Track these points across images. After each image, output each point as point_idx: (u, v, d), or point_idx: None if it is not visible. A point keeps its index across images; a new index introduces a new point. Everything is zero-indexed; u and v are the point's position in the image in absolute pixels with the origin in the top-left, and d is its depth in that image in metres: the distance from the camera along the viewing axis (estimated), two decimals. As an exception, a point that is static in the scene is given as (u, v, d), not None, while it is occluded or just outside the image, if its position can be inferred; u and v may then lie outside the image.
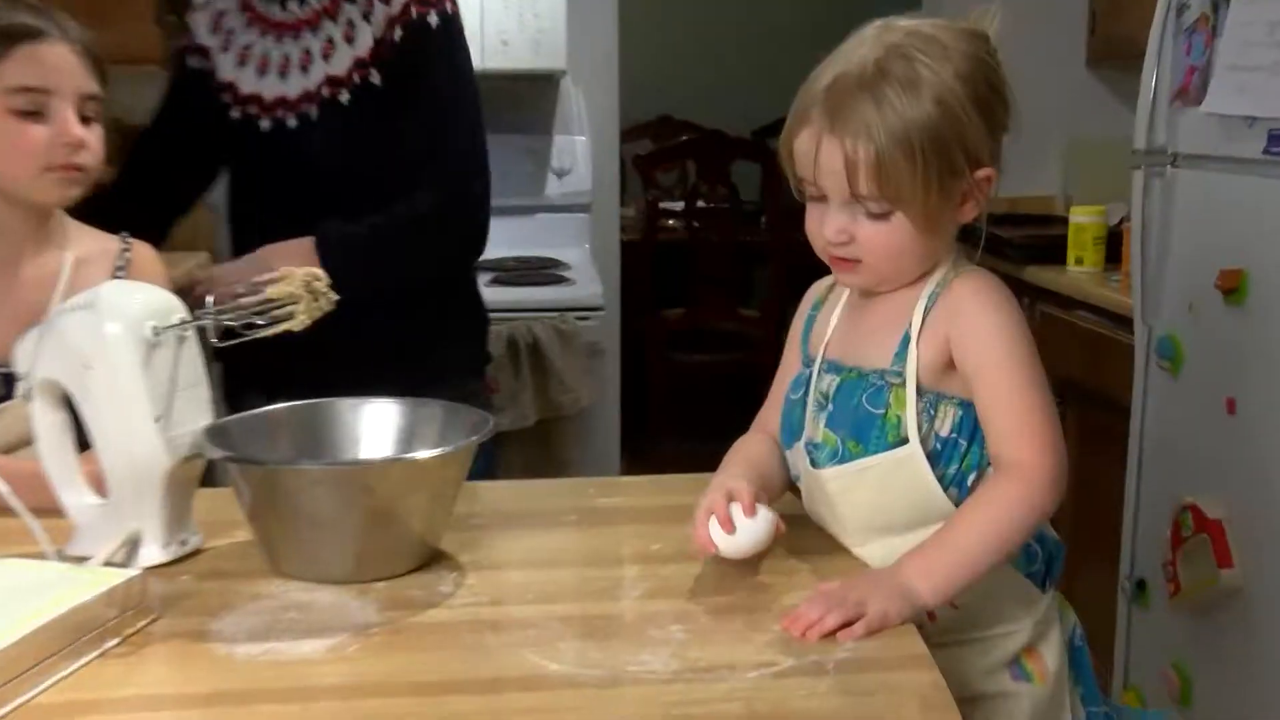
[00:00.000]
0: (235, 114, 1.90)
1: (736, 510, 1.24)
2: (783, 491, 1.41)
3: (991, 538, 1.21)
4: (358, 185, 1.88)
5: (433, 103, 1.87)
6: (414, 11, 1.85)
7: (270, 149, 1.89)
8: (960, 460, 1.26)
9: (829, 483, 1.31)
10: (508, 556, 1.34)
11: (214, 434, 1.30)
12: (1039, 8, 3.52)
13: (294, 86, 1.87)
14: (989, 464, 1.26)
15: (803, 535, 1.35)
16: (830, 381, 1.32)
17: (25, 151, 1.53)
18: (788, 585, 1.25)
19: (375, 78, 1.85)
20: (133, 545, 1.29)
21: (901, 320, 1.29)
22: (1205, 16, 2.30)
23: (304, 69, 1.87)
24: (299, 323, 1.33)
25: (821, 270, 1.40)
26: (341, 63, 1.85)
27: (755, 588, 1.25)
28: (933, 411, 1.26)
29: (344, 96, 1.85)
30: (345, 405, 1.41)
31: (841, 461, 1.29)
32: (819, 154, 1.24)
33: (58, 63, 1.55)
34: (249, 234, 1.95)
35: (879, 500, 1.28)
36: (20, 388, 1.32)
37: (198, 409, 1.32)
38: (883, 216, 1.25)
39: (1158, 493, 2.45)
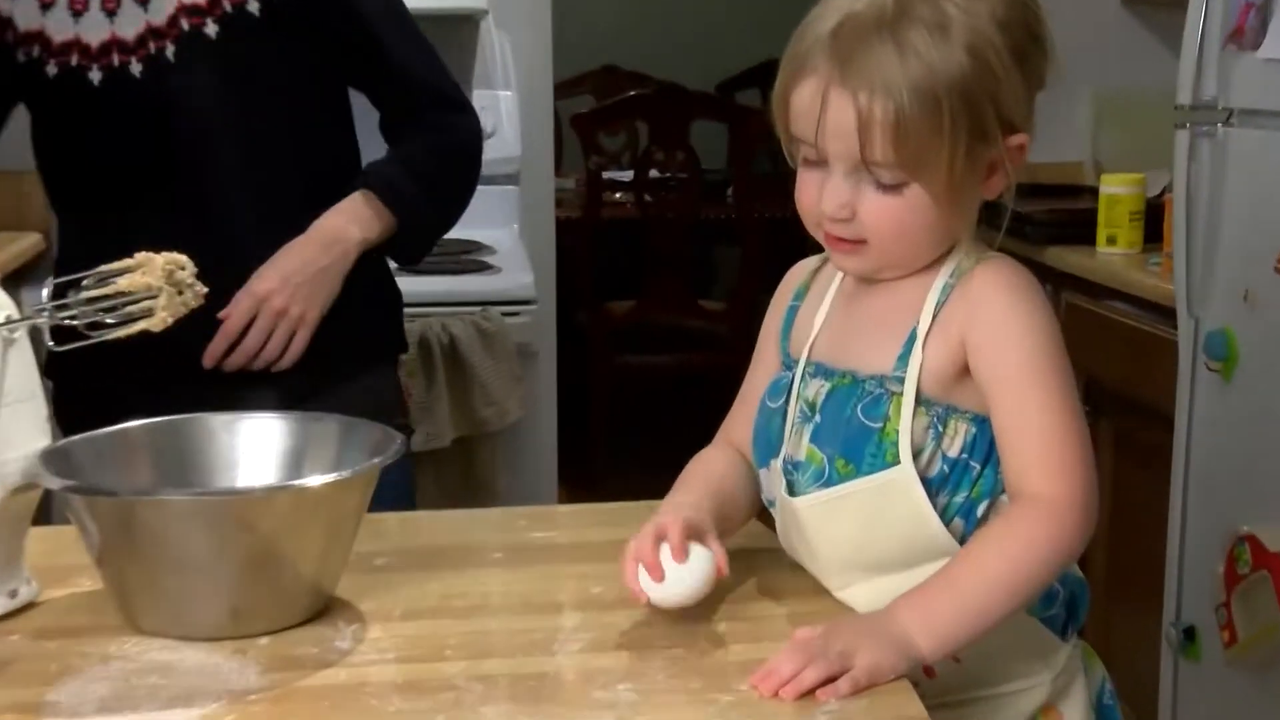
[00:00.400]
0: (52, 69, 1.89)
1: (665, 555, 1.26)
2: (748, 518, 1.43)
3: (1006, 582, 1.22)
4: (255, 135, 1.90)
5: (370, 31, 1.94)
6: None
7: (109, 104, 1.88)
8: (971, 486, 1.28)
9: (803, 511, 1.32)
10: (419, 604, 1.34)
11: (52, 459, 1.29)
12: (1064, -68, 3.56)
13: (129, 24, 1.87)
14: (1003, 490, 1.28)
15: (776, 573, 1.37)
16: (818, 388, 1.33)
17: None
18: (757, 634, 1.26)
19: (253, 6, 1.85)
20: (-50, 598, 1.29)
21: (908, 315, 1.30)
22: (1263, -58, 2.34)
23: (141, 2, 1.86)
24: (159, 321, 1.33)
25: (802, 251, 1.41)
26: None
27: (718, 638, 1.26)
28: (941, 427, 1.27)
29: (210, 29, 1.85)
30: (218, 421, 1.41)
31: (826, 485, 1.30)
32: (826, 110, 1.25)
33: None
34: (88, 206, 1.95)
35: (862, 534, 1.30)
36: None
37: (31, 429, 1.31)
38: (895, 188, 1.26)
39: (1209, 520, 2.48)
